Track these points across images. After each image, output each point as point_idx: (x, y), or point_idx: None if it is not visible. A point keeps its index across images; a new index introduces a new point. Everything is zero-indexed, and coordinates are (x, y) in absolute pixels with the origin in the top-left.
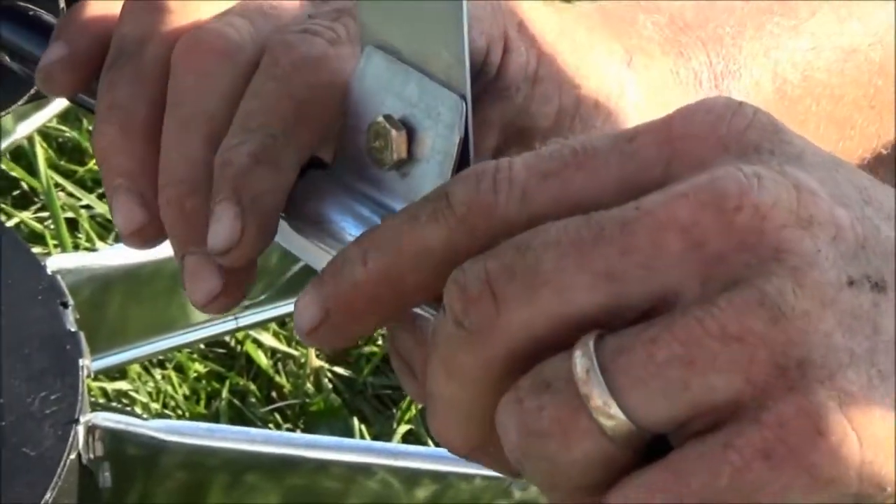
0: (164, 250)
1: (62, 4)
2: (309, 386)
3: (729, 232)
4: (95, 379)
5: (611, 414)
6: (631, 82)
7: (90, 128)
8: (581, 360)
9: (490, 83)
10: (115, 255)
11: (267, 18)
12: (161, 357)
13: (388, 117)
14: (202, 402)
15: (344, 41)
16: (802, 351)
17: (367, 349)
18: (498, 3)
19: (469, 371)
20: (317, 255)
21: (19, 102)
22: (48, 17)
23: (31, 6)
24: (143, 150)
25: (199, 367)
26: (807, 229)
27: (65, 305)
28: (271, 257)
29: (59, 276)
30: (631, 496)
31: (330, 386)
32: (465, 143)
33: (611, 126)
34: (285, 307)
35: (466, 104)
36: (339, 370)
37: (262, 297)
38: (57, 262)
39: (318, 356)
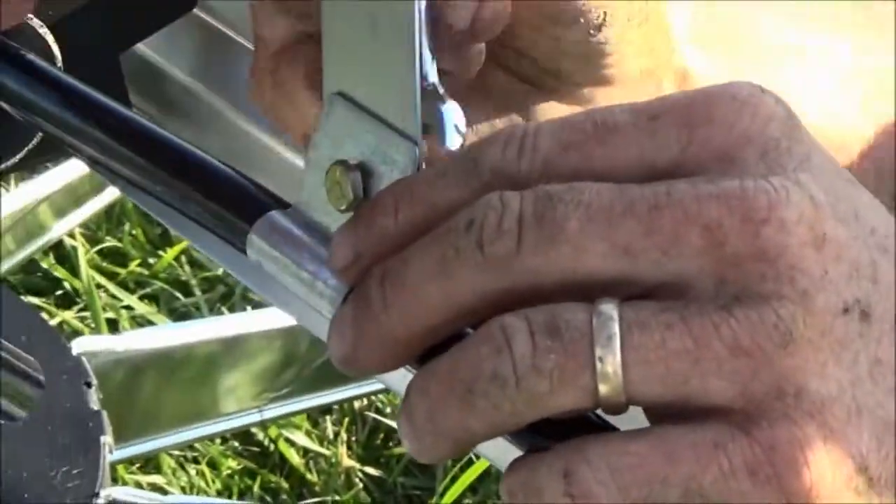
0: (195, 333)
1: (58, 56)
2: (339, 485)
3: (753, 240)
4: (129, 472)
5: (612, 382)
6: None
7: (133, 232)
8: (605, 324)
9: None
10: (140, 339)
11: None
12: (195, 454)
13: (343, 162)
14: (234, 498)
15: None
16: (801, 380)
17: (397, 450)
18: None
19: (461, 287)
20: (278, 294)
21: (20, 154)
22: (48, 66)
23: (29, 53)
24: None
25: (232, 464)
26: (819, 250)
27: (88, 385)
28: (300, 345)
29: (84, 358)
30: (620, 462)
31: (360, 485)
32: None
33: None
34: (310, 401)
35: (419, 149)
36: (370, 470)
37: (286, 389)
38: (82, 343)
39: (349, 456)
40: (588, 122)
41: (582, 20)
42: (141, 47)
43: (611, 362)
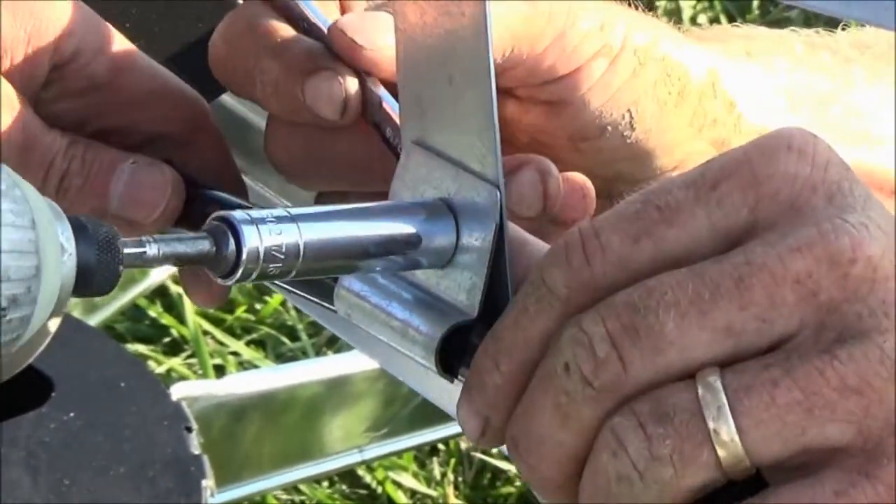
0: (296, 376)
1: None
2: None
3: (844, 283)
4: None
5: (733, 450)
6: None
7: None
8: (711, 396)
9: None
10: (241, 382)
11: None
12: (303, 497)
13: None
14: None
15: None
16: None
17: (504, 490)
18: None
19: (588, 422)
20: (363, 339)
21: None
22: None
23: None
24: None
25: None
26: None
27: (189, 430)
28: (402, 385)
29: (184, 403)
30: None
31: None
32: (500, 230)
33: None
34: (411, 440)
35: (501, 193)
36: None
37: (385, 429)
38: (182, 389)
39: (456, 496)
40: (650, 207)
41: (609, 127)
42: (226, 98)
43: (726, 432)
